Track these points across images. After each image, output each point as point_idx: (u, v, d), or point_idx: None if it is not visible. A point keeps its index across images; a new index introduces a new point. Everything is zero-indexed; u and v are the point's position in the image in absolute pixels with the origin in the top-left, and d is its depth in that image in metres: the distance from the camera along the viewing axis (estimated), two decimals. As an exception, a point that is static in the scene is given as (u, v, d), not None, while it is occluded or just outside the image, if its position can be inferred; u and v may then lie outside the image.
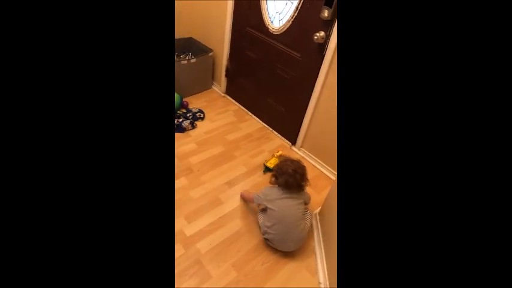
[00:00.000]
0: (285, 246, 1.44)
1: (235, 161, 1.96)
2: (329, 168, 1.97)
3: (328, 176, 1.98)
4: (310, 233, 1.60)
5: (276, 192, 1.44)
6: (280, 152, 2.01)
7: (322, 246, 1.48)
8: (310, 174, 1.93)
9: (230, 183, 1.79)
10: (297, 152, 2.12)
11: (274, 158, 1.96)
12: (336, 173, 1.62)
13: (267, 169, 1.92)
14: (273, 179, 1.48)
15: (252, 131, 2.27)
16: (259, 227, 1.51)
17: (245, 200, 1.67)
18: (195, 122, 2.21)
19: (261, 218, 1.52)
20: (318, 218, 1.63)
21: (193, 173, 1.81)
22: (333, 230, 1.34)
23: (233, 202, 1.68)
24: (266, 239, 1.46)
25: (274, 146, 2.15)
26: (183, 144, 2.01)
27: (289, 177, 1.40)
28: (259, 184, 1.82)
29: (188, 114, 2.23)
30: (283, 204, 1.40)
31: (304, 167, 1.49)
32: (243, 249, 1.47)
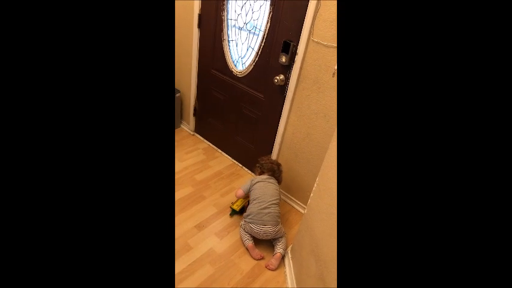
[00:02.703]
0: (261, 221, 1.60)
1: (204, 202, 1.93)
2: (298, 202, 2.00)
3: (298, 211, 2.00)
4: (281, 274, 1.58)
5: (260, 177, 1.77)
6: None
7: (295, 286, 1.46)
8: (281, 210, 1.95)
9: (199, 227, 1.75)
10: (267, 188, 2.15)
11: (240, 200, 1.87)
12: (306, 207, 1.65)
13: (233, 212, 1.85)
14: (258, 169, 1.83)
15: (222, 169, 2.27)
16: (241, 237, 1.70)
17: (237, 196, 1.84)
18: (163, 162, 2.18)
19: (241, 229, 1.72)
20: (289, 255, 1.62)
21: (161, 218, 1.75)
22: (306, 269, 1.33)
23: (203, 246, 1.64)
24: (246, 222, 1.66)
25: (245, 183, 2.16)
26: (150, 187, 1.96)
27: (274, 165, 1.81)
28: (231, 225, 1.80)
29: (156, 156, 2.20)
30: (264, 185, 1.70)
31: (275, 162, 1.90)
32: (215, 297, 1.41)
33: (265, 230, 1.59)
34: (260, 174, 1.81)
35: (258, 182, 1.72)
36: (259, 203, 1.63)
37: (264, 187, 1.69)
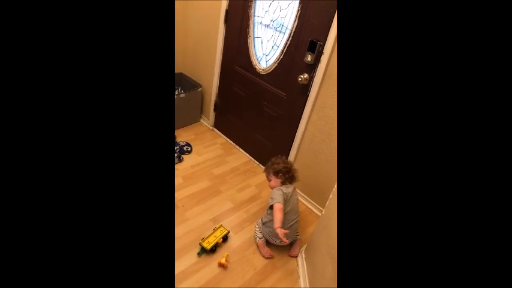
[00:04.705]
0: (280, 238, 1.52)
1: (221, 196, 1.94)
2: (315, 204, 1.99)
3: (313, 212, 1.98)
4: (294, 273, 1.57)
5: (286, 189, 1.60)
6: (220, 225, 1.68)
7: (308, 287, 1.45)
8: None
9: (215, 220, 1.76)
10: (283, 187, 2.14)
11: (213, 236, 1.61)
12: (324, 209, 1.64)
13: (203, 250, 1.54)
14: (282, 176, 1.65)
15: (239, 165, 2.28)
16: (254, 234, 1.70)
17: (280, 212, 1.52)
18: (182, 155, 2.21)
19: (258, 224, 1.71)
20: (303, 255, 1.61)
21: (178, 209, 1.78)
22: (321, 269, 1.32)
23: (218, 240, 1.65)
24: (263, 232, 1.64)
25: (261, 180, 2.16)
26: (168, 178, 1.99)
27: (295, 172, 1.69)
28: (245, 221, 1.80)
29: (175, 148, 2.24)
30: (292, 200, 1.60)
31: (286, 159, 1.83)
32: (227, 291, 1.42)
33: (282, 243, 1.59)
34: (283, 181, 1.65)
35: (289, 196, 1.59)
36: (284, 221, 1.54)
37: (293, 203, 1.59)
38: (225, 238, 1.63)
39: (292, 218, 1.60)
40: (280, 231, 1.44)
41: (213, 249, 1.56)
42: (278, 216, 1.48)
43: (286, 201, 1.55)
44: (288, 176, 1.66)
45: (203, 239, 1.58)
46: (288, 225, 1.56)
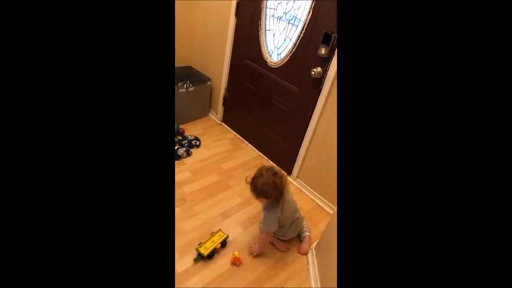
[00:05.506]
0: (284, 236, 1.59)
1: (230, 191, 1.92)
2: (325, 201, 1.95)
3: (324, 209, 1.95)
4: (305, 270, 1.54)
5: (279, 211, 1.46)
6: (219, 229, 1.59)
7: (319, 285, 1.42)
8: (306, 206, 1.92)
9: (224, 215, 1.74)
10: (293, 183, 2.10)
11: (210, 241, 1.51)
12: (335, 207, 1.61)
13: (200, 257, 1.45)
14: (271, 196, 1.39)
15: (248, 160, 2.25)
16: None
17: (264, 245, 1.55)
18: (191, 149, 2.19)
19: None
20: (314, 253, 1.58)
21: (187, 203, 1.76)
22: (332, 267, 1.29)
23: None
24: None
25: (270, 176, 2.13)
26: (177, 172, 1.97)
27: (286, 184, 1.42)
28: (255, 216, 1.78)
29: (184, 142, 2.21)
30: (286, 212, 1.50)
31: (275, 170, 1.45)
32: (238, 286, 1.40)
33: (292, 235, 1.63)
34: (274, 200, 1.43)
35: (282, 215, 1.48)
36: (282, 226, 1.54)
37: (287, 211, 1.51)
38: (223, 243, 1.53)
39: (289, 220, 1.54)
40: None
41: (211, 256, 1.47)
42: (266, 240, 1.56)
43: (280, 221, 1.49)
44: (278, 193, 1.40)
45: (200, 244, 1.48)
46: (286, 226, 1.55)
